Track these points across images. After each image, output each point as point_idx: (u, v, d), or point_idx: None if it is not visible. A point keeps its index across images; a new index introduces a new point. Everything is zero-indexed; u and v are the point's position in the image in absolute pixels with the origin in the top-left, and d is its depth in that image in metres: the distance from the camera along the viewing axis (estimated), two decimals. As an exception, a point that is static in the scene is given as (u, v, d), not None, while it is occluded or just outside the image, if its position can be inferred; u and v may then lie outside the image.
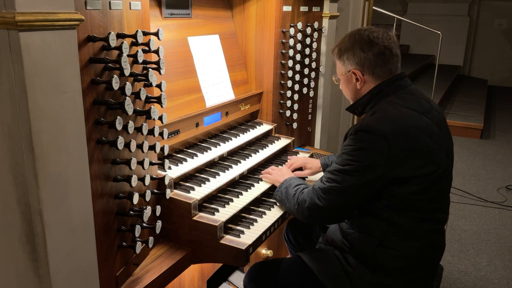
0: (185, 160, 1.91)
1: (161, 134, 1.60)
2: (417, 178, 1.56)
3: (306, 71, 2.68)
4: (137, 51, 1.43)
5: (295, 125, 2.68)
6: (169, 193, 1.67)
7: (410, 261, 1.63)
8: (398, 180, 1.55)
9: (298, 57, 2.55)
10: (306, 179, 2.26)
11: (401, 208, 1.59)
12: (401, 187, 1.56)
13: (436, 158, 1.59)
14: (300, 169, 2.24)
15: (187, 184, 1.83)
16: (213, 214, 1.74)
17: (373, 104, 1.69)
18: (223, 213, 1.77)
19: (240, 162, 2.10)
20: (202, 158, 1.96)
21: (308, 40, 2.64)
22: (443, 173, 1.63)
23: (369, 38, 1.67)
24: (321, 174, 2.25)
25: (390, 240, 1.62)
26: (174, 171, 1.81)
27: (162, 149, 1.62)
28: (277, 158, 2.39)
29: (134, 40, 1.43)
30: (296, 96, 2.63)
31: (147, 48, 1.48)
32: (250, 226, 1.81)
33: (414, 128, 1.57)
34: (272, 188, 2.13)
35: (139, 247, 1.50)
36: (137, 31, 1.42)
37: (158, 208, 1.61)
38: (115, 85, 1.32)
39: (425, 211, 1.62)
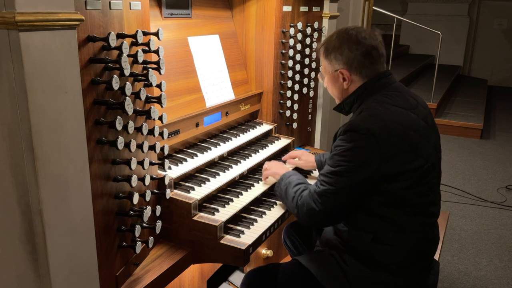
0: (185, 160, 1.91)
1: (161, 134, 1.60)
2: (406, 173, 1.58)
3: (306, 71, 2.68)
4: (137, 51, 1.43)
5: (295, 125, 2.68)
6: (169, 193, 1.67)
7: (405, 255, 1.64)
8: (388, 176, 1.57)
9: (298, 57, 2.55)
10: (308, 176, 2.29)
11: (393, 204, 1.61)
12: (391, 183, 1.58)
13: (424, 152, 1.62)
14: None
15: (187, 184, 1.83)
16: (213, 214, 1.74)
17: (360, 103, 1.71)
18: (223, 213, 1.77)
19: (240, 162, 2.10)
20: (202, 158, 1.96)
21: (308, 40, 2.64)
22: (432, 166, 1.65)
23: (357, 38, 1.68)
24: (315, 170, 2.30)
25: (384, 235, 1.63)
26: (174, 171, 1.81)
27: (162, 149, 1.62)
28: (277, 158, 2.39)
29: (134, 40, 1.43)
30: (296, 96, 2.63)
31: (147, 48, 1.48)
32: (250, 226, 1.81)
33: (402, 124, 1.59)
34: (272, 188, 2.13)
35: (139, 247, 1.50)
36: (137, 31, 1.42)
37: (158, 208, 1.61)
38: (115, 85, 1.32)
39: (417, 205, 1.63)
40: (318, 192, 1.64)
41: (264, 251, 2.58)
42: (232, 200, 1.88)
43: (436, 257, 1.81)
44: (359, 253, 1.67)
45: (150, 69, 1.48)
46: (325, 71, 1.80)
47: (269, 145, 2.37)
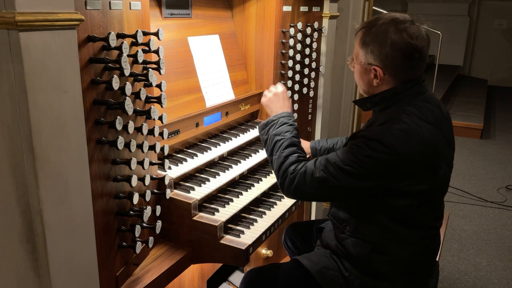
0: (185, 160, 1.91)
1: (161, 134, 1.60)
2: (414, 194, 1.53)
3: (306, 71, 2.68)
4: (137, 51, 1.43)
5: (295, 125, 2.68)
6: (169, 193, 1.67)
7: (405, 265, 1.63)
8: (394, 192, 1.53)
9: (298, 57, 2.55)
10: None
11: (396, 217, 1.58)
12: (396, 199, 1.54)
13: (437, 173, 1.56)
14: None
15: (187, 184, 1.83)
16: (213, 214, 1.74)
17: (385, 105, 1.59)
18: (223, 213, 1.77)
19: (240, 162, 2.10)
20: (202, 158, 1.96)
21: (308, 40, 2.64)
22: (441, 185, 1.62)
23: (402, 36, 1.49)
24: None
25: (384, 246, 1.61)
26: (174, 171, 1.81)
27: (162, 149, 1.62)
28: (277, 158, 2.39)
29: (134, 40, 1.43)
30: (296, 96, 2.63)
31: (147, 48, 1.48)
32: (250, 226, 1.81)
33: (426, 144, 1.50)
34: (272, 188, 2.13)
35: (139, 247, 1.50)
36: (137, 31, 1.42)
37: (158, 208, 1.61)
38: (115, 85, 1.32)
39: (420, 221, 1.60)
40: (317, 178, 1.56)
41: (264, 251, 2.58)
42: (232, 200, 1.88)
43: (436, 257, 1.80)
44: (358, 261, 1.66)
45: (150, 69, 1.48)
46: (357, 59, 1.63)
47: (269, 145, 2.36)
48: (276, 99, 1.89)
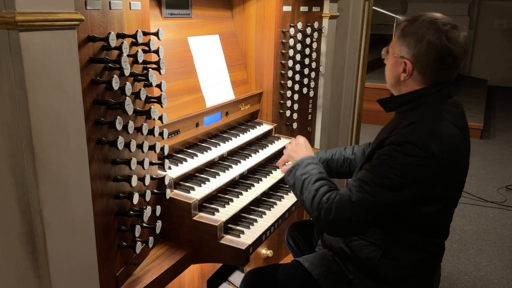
0: (185, 160, 1.91)
1: (161, 134, 1.60)
2: (441, 200, 1.51)
3: (306, 71, 2.68)
4: (137, 51, 1.43)
5: (295, 125, 2.68)
6: (169, 193, 1.67)
7: (411, 270, 1.62)
8: (425, 200, 1.49)
9: (298, 57, 2.55)
10: None
11: (413, 225, 1.56)
12: (423, 207, 1.50)
13: (460, 178, 1.57)
14: None
15: (187, 184, 1.83)
16: (213, 214, 1.74)
17: (413, 106, 1.55)
18: (223, 213, 1.77)
19: (240, 162, 2.10)
20: (202, 158, 1.96)
21: (308, 40, 2.64)
22: (461, 190, 1.61)
23: (441, 37, 1.48)
24: None
25: (394, 251, 1.60)
26: (174, 171, 1.81)
27: (162, 149, 1.62)
28: (277, 158, 2.39)
29: (134, 40, 1.43)
30: (296, 96, 2.63)
31: (147, 48, 1.48)
32: (250, 226, 1.81)
33: (457, 148, 1.49)
34: (272, 188, 2.13)
35: (139, 247, 1.50)
36: (137, 31, 1.42)
37: (158, 208, 1.61)
38: (115, 85, 1.32)
39: (437, 227, 1.60)
40: (355, 202, 1.46)
41: (264, 251, 2.58)
42: (232, 200, 1.88)
43: (441, 262, 1.80)
44: (364, 264, 1.65)
45: (150, 69, 1.48)
46: (392, 50, 1.61)
47: (269, 145, 2.37)
48: (299, 148, 1.85)
